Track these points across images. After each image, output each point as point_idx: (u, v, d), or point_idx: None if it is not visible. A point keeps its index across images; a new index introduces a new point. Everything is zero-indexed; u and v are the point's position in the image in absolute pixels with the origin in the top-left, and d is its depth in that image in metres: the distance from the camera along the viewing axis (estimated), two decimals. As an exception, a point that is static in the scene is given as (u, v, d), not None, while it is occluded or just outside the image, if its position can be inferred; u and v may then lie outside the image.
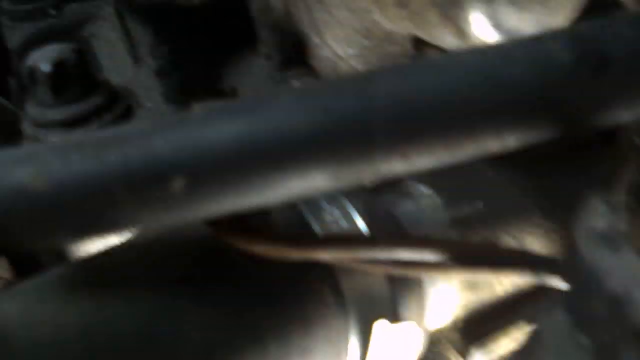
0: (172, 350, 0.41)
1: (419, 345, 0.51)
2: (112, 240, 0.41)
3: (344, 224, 0.48)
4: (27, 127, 0.67)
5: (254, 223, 0.41)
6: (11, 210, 0.33)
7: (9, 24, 0.85)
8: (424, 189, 0.56)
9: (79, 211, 0.34)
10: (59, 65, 0.62)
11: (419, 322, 0.51)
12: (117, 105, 0.67)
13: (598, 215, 0.37)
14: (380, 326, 0.48)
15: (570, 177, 0.54)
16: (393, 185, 0.56)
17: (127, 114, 0.68)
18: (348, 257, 0.43)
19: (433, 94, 0.35)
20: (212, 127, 0.34)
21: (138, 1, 0.75)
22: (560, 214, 0.53)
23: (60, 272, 0.43)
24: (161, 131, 0.34)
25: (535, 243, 0.55)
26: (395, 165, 0.35)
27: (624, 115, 0.36)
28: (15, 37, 0.83)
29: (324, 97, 0.34)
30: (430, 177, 0.56)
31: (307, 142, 0.33)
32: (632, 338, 0.32)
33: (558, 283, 0.39)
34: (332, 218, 0.48)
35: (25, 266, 0.71)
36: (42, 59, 0.63)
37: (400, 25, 0.60)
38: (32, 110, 0.66)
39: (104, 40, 0.80)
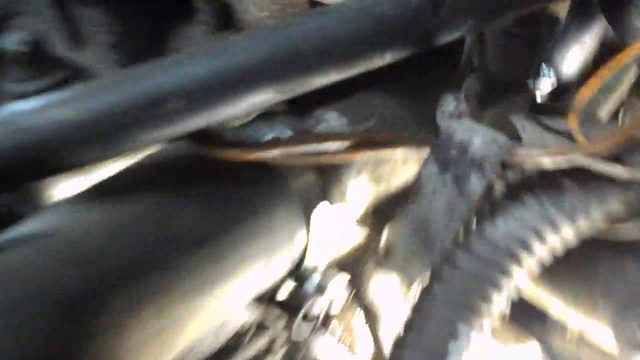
0: (173, 235, 0.57)
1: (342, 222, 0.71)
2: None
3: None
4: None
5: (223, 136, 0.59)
6: (56, 138, 0.48)
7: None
8: (333, 113, 0.76)
9: (109, 134, 0.50)
10: (32, 46, 0.75)
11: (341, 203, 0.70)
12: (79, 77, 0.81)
13: (449, 103, 0.59)
14: (318, 210, 0.67)
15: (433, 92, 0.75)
16: (311, 113, 0.75)
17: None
18: (283, 154, 0.61)
19: (335, 30, 0.54)
20: (197, 63, 0.51)
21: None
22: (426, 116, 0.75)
23: (86, 192, 0.58)
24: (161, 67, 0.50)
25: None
26: (320, 81, 0.54)
27: (450, 37, 0.57)
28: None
29: (269, 37, 0.53)
30: (338, 105, 0.76)
31: (262, 69, 0.51)
32: (472, 167, 0.53)
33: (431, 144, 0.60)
34: (274, 134, 0.67)
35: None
36: (13, 42, 0.76)
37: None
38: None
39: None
